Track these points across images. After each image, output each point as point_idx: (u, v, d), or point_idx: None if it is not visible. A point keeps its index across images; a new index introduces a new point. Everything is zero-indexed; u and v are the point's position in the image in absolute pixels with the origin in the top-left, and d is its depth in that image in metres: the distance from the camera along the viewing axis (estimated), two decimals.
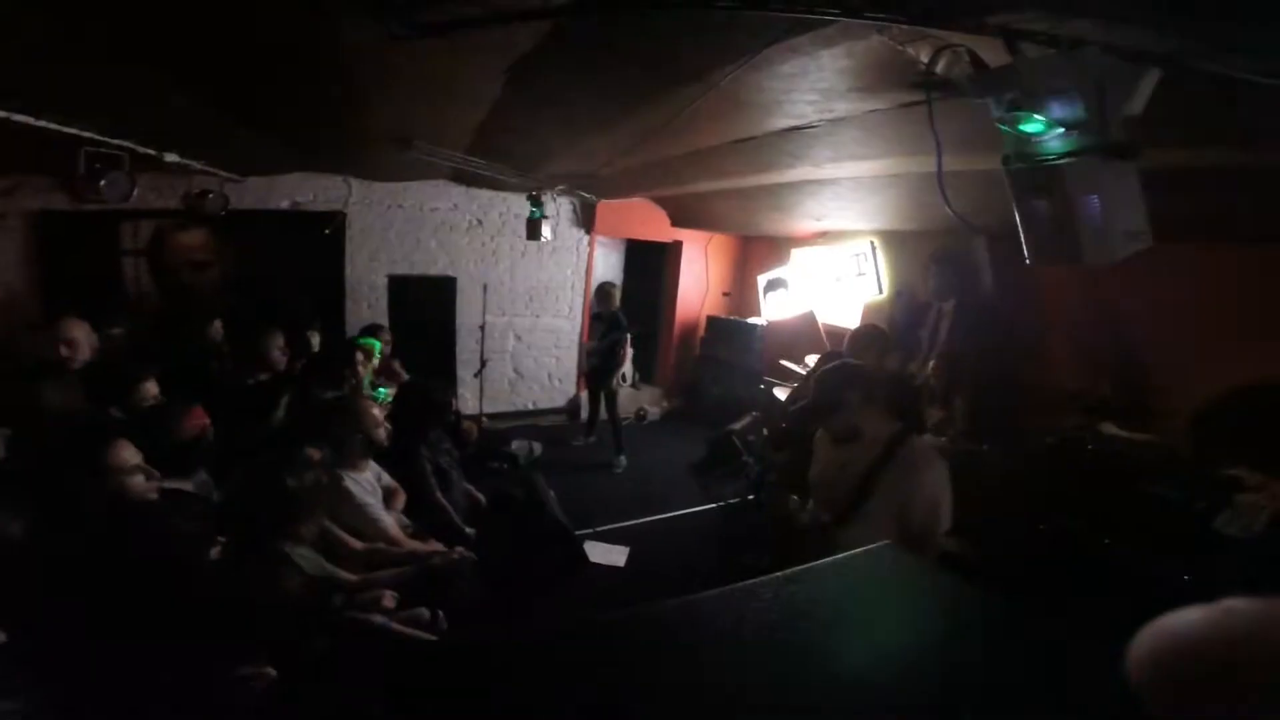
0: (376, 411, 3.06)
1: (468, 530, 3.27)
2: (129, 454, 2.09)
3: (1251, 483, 2.59)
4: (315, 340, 4.56)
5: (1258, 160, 2.11)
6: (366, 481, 2.95)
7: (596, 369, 6.06)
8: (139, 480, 2.09)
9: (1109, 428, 3.34)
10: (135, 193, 3.93)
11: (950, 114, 1.69)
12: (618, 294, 6.09)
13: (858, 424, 2.26)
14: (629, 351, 6.06)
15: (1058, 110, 1.30)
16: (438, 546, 2.93)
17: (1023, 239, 1.59)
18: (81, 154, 3.58)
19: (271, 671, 1.83)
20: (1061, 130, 1.34)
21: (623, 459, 5.87)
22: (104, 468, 2.01)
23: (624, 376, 6.32)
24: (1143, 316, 3.52)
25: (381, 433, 3.00)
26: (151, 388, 2.93)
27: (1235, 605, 0.33)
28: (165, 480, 2.25)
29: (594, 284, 7.32)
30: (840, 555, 2.19)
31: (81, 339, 3.01)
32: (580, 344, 7.22)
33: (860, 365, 2.49)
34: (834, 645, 1.64)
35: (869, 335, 3.96)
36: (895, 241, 5.23)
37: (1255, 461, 2.64)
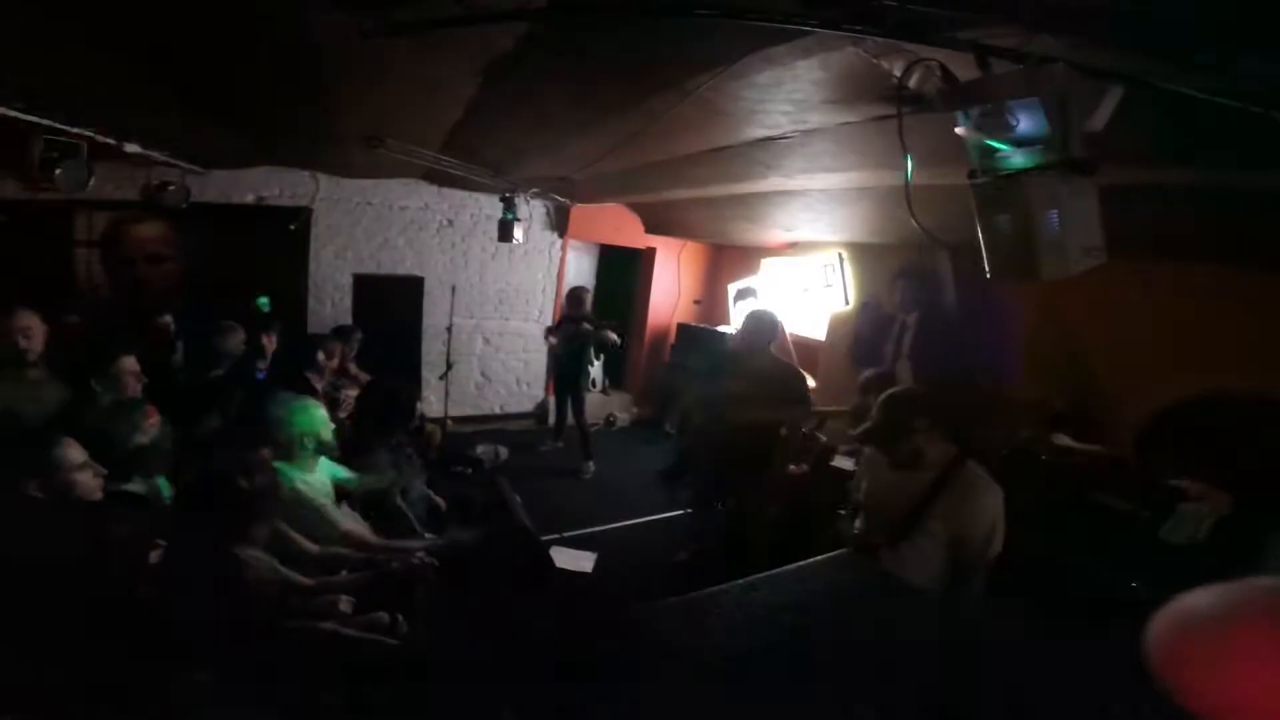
0: (323, 412, 2.98)
1: (426, 536, 3.21)
2: (75, 452, 2.02)
3: (1194, 492, 2.71)
4: (274, 339, 4.45)
5: (1210, 179, 2.21)
6: (319, 482, 2.88)
7: (565, 373, 5.98)
8: (86, 477, 2.02)
9: (1061, 439, 3.45)
10: (92, 183, 3.79)
11: (920, 129, 1.73)
12: (589, 298, 6.00)
13: (923, 450, 2.25)
14: (592, 357, 5.97)
15: (1023, 126, 1.35)
16: (406, 544, 2.88)
17: (984, 253, 1.63)
18: (39, 142, 3.44)
19: (211, 676, 1.77)
20: (1026, 146, 1.39)
21: (591, 465, 5.84)
22: (51, 465, 1.94)
23: (593, 381, 6.29)
24: (1096, 330, 3.65)
25: (329, 433, 2.93)
26: (130, 363, 2.87)
27: (1254, 583, 0.34)
28: (115, 481, 2.18)
29: (565, 288, 7.31)
30: (801, 562, 2.22)
31: (36, 328, 2.91)
32: (549, 348, 7.19)
33: (927, 391, 2.49)
34: (795, 650, 1.66)
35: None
36: (863, 254, 5.34)
37: (1197, 472, 2.76)
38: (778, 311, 5.90)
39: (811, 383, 5.21)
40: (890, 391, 2.36)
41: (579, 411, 5.90)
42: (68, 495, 1.97)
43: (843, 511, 2.50)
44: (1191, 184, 2.25)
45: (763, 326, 3.85)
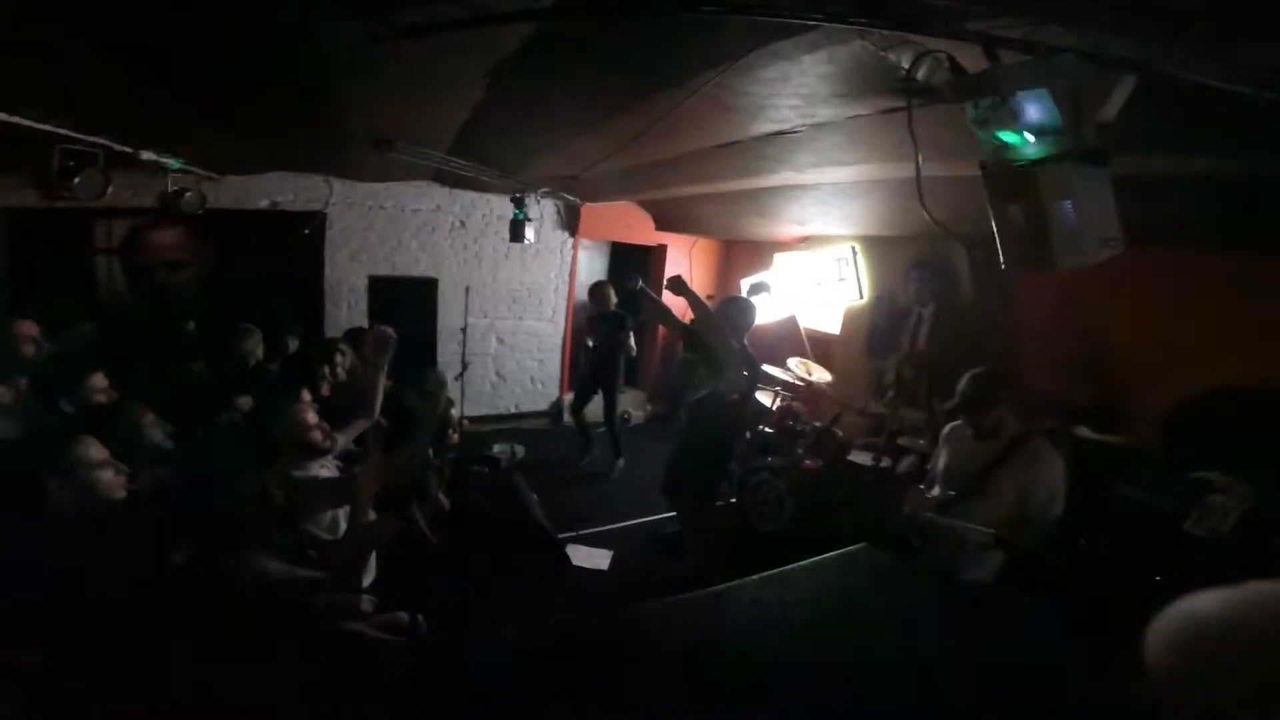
0: (310, 416, 2.97)
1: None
2: (95, 450, 2.04)
3: (1220, 484, 2.68)
4: (293, 343, 4.50)
5: (1229, 168, 2.17)
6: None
7: (598, 373, 5.82)
8: (108, 475, 2.04)
9: (1082, 430, 3.41)
10: (110, 190, 3.85)
11: (931, 120, 1.72)
12: (613, 292, 5.70)
13: (1005, 420, 2.57)
14: (632, 348, 5.86)
15: (1033, 116, 1.33)
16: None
17: (998, 244, 1.61)
18: (56, 151, 3.51)
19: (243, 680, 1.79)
20: (1037, 136, 1.37)
21: (620, 462, 5.80)
22: (71, 463, 1.96)
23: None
24: (1116, 321, 3.60)
25: (317, 435, 2.92)
26: (100, 381, 2.89)
27: (1254, 586, 0.33)
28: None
29: (578, 287, 7.30)
30: (815, 558, 2.22)
31: (39, 338, 3.02)
32: (563, 347, 7.21)
33: (1007, 369, 2.81)
34: (806, 647, 1.65)
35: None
36: (876, 247, 5.29)
37: (1223, 464, 2.72)
38: (774, 304, 5.97)
39: (827, 377, 5.19)
40: (981, 369, 2.64)
41: (610, 411, 5.83)
42: (90, 494, 1.99)
43: (920, 486, 2.82)
44: (1212, 172, 2.21)
45: (729, 311, 3.78)
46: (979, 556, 2.49)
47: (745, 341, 3.72)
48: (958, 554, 2.50)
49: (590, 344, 5.91)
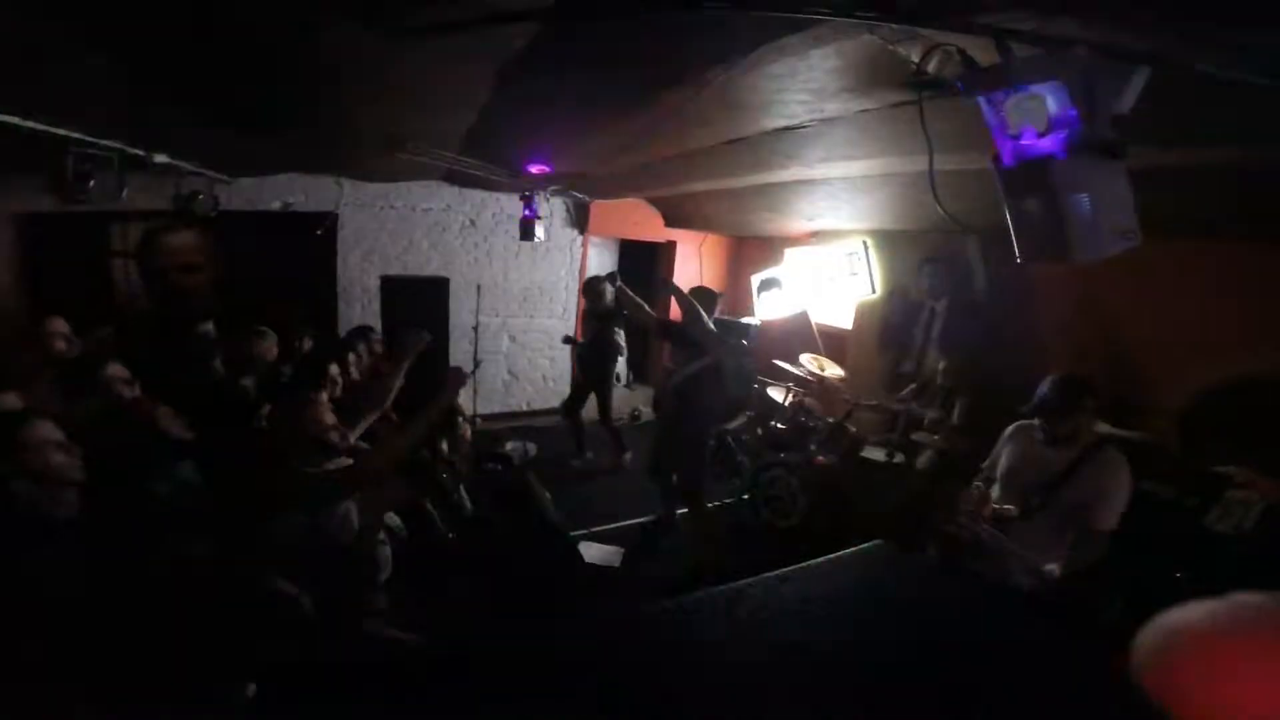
0: (328, 416, 2.99)
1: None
2: (47, 429, 1.95)
3: (1241, 479, 2.63)
4: (307, 344, 4.53)
5: (1246, 159, 2.12)
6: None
7: (587, 374, 5.79)
8: (59, 457, 1.97)
9: (1100, 425, 3.36)
10: (124, 194, 3.89)
11: (942, 113, 1.69)
12: (609, 290, 5.30)
13: (1083, 427, 2.50)
14: (622, 346, 5.75)
15: (1047, 109, 1.30)
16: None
17: (1013, 237, 1.59)
18: (70, 155, 3.55)
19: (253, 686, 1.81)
20: (1051, 129, 1.34)
21: (629, 455, 5.78)
22: (21, 444, 1.92)
23: (617, 376, 6.24)
24: (1133, 314, 3.54)
25: (334, 435, 2.95)
26: (119, 370, 2.87)
27: (1240, 598, 0.33)
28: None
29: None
30: (833, 555, 2.21)
31: (70, 335, 3.03)
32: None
33: (1091, 376, 2.69)
34: (825, 643, 1.64)
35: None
36: (888, 241, 5.25)
37: (1244, 458, 2.67)
38: (785, 299, 6.00)
39: (839, 372, 5.17)
40: (1064, 374, 2.59)
41: (605, 412, 5.78)
42: (45, 474, 1.94)
43: (979, 485, 2.71)
44: (1230, 163, 2.16)
45: (699, 297, 4.05)
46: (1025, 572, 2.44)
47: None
48: (1005, 572, 2.45)
49: (581, 341, 5.88)
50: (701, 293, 4.20)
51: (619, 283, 4.46)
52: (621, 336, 5.69)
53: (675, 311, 4.49)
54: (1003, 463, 2.69)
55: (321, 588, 2.37)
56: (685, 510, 4.32)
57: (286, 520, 2.32)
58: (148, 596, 1.78)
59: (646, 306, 4.42)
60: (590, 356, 5.78)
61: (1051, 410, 2.52)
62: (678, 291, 4.09)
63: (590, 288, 5.60)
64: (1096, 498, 2.36)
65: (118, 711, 1.49)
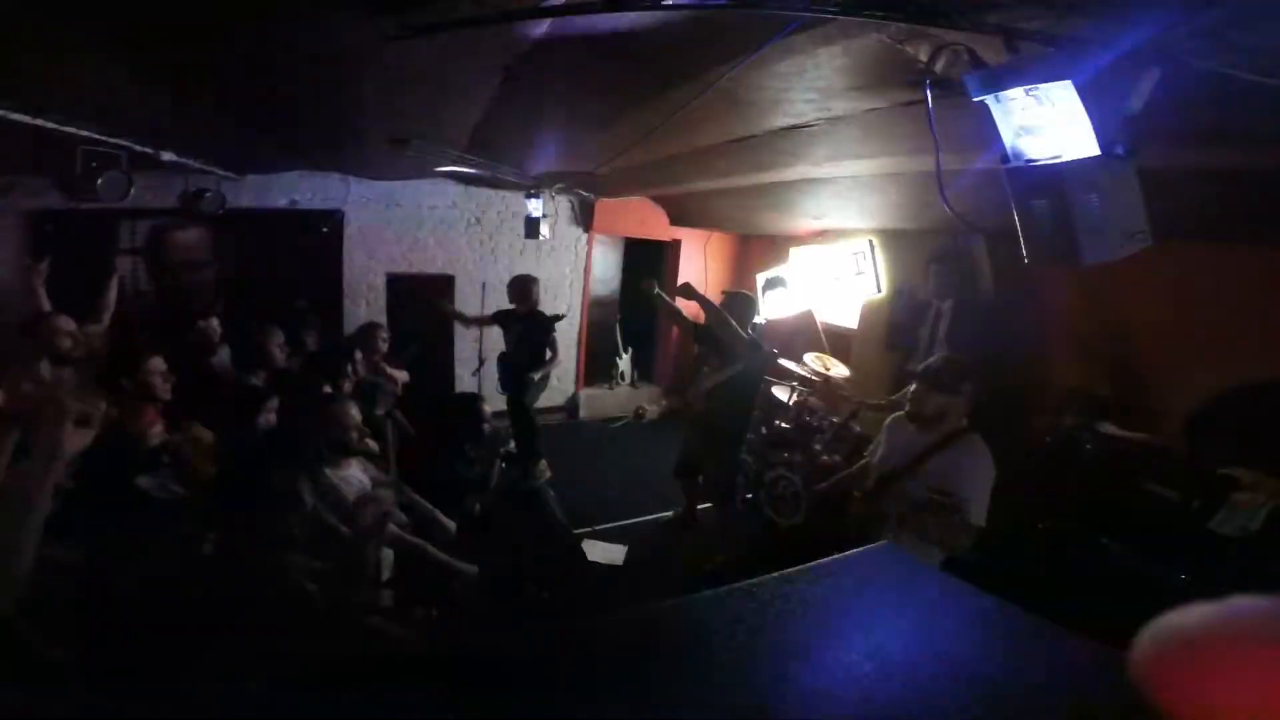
0: (355, 414, 3.02)
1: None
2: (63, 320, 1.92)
3: (1247, 481, 2.61)
4: (312, 340, 4.55)
5: (1257, 161, 2.11)
6: (354, 478, 2.94)
7: (512, 374, 5.12)
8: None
9: (1107, 427, 3.35)
10: (132, 192, 3.91)
11: (950, 113, 1.69)
12: (537, 289, 5.12)
13: (948, 412, 2.51)
14: (551, 355, 5.19)
15: (1056, 109, 1.30)
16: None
17: (1021, 238, 1.58)
18: (79, 153, 3.57)
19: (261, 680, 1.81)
20: (1060, 129, 1.34)
21: (543, 465, 5.20)
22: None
23: (622, 374, 6.13)
24: (1142, 316, 3.52)
25: (355, 435, 2.97)
26: (158, 364, 2.86)
27: (1244, 602, 0.33)
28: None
29: (590, 283, 7.29)
30: (838, 555, 2.20)
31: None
32: (578, 342, 7.20)
33: (972, 363, 2.72)
34: (828, 646, 1.64)
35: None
36: (894, 240, 5.23)
37: (1250, 460, 2.66)
38: (791, 299, 5.97)
39: (845, 372, 5.15)
40: (951, 355, 2.68)
41: (528, 422, 5.21)
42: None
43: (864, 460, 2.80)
44: (1239, 165, 2.15)
45: (733, 305, 4.08)
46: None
47: (751, 331, 4.09)
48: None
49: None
50: (741, 299, 4.21)
51: (657, 289, 4.47)
52: (554, 340, 5.21)
53: (688, 310, 4.64)
54: (879, 452, 2.77)
55: (326, 582, 2.38)
56: (710, 506, 4.47)
57: (296, 511, 2.33)
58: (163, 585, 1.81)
59: (682, 312, 4.54)
60: (513, 363, 5.21)
61: (932, 382, 2.55)
62: (701, 298, 4.08)
63: (517, 285, 5.14)
64: (959, 482, 2.35)
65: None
